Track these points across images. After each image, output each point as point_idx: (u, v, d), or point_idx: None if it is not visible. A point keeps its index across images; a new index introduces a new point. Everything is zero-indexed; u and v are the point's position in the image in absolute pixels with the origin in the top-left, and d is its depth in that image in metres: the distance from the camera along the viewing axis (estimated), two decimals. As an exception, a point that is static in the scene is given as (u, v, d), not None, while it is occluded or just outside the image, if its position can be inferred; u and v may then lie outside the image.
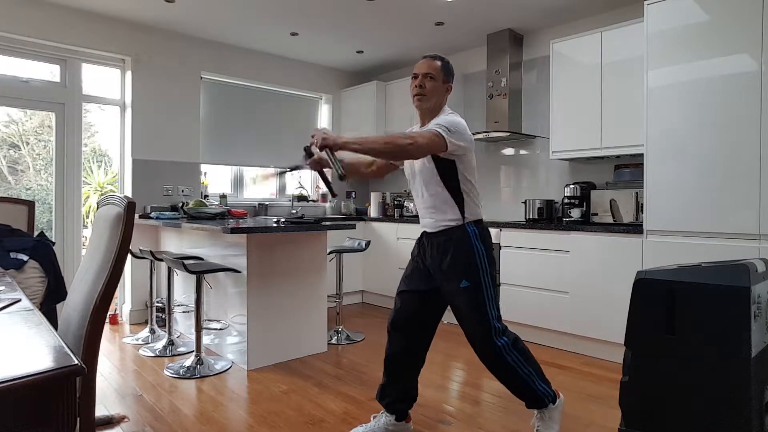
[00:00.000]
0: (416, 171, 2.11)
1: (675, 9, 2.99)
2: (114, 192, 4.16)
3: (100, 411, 2.44)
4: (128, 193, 4.33)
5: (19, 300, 1.38)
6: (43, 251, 2.49)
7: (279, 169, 1.83)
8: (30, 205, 3.12)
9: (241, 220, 3.69)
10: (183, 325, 3.98)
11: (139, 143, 4.31)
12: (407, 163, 2.18)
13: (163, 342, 3.55)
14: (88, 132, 5.99)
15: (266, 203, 5.20)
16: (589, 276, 3.40)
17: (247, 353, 3.12)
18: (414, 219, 4.81)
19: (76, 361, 0.85)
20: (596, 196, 3.66)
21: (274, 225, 3.11)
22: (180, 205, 4.16)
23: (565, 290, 3.53)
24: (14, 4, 3.72)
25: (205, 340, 3.58)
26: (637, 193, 3.44)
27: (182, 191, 4.55)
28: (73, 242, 4.10)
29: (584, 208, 3.78)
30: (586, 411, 2.53)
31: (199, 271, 3.01)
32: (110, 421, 2.37)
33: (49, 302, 2.43)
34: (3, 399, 0.77)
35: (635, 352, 1.72)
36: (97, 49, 4.11)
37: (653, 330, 1.68)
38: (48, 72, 4.04)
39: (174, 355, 3.41)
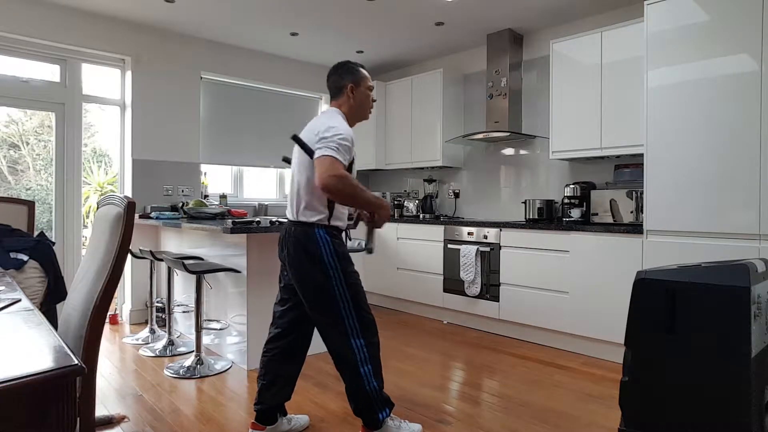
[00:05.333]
0: None
1: (675, 9, 2.99)
2: (114, 192, 4.16)
3: (100, 411, 2.44)
4: (128, 193, 4.33)
5: (19, 300, 1.38)
6: (43, 251, 2.49)
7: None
8: (30, 205, 3.12)
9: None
10: (183, 325, 3.98)
11: (139, 143, 4.31)
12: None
13: (163, 342, 3.55)
14: (88, 132, 5.99)
15: (266, 203, 5.20)
16: (589, 276, 3.40)
17: (247, 353, 3.12)
18: (414, 219, 4.81)
19: (76, 361, 0.85)
20: (596, 196, 3.66)
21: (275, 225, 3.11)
22: (180, 205, 4.16)
23: (565, 290, 3.53)
24: (14, 4, 3.72)
25: (205, 340, 3.58)
26: (637, 193, 3.44)
27: (182, 191, 4.55)
28: (73, 242, 4.10)
29: (584, 208, 3.78)
30: (586, 411, 2.53)
31: (199, 271, 3.01)
32: (110, 421, 2.37)
33: (49, 302, 2.43)
34: (3, 399, 0.77)
35: (635, 352, 1.72)
36: (97, 49, 4.11)
37: (653, 330, 1.68)
38: (48, 72, 4.03)
39: (174, 355, 3.40)
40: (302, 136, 2.13)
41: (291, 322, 2.20)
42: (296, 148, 2.16)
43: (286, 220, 2.19)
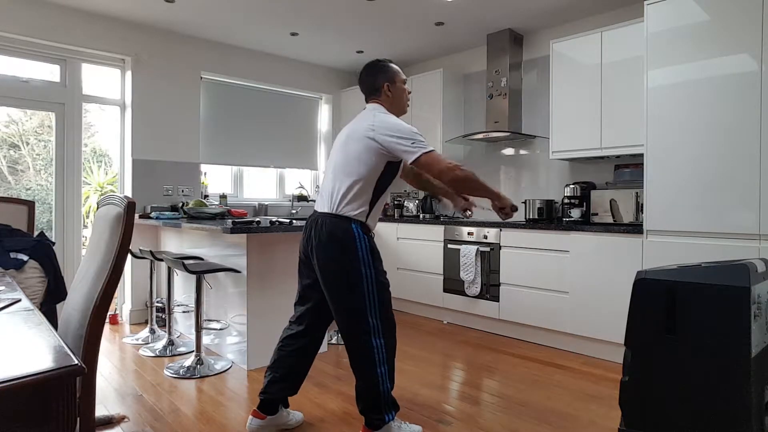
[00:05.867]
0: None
1: (675, 9, 2.99)
2: (114, 192, 4.16)
3: (100, 411, 2.44)
4: (128, 193, 4.33)
5: (19, 300, 1.38)
6: (43, 251, 2.49)
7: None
8: (30, 205, 3.12)
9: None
10: (183, 325, 3.98)
11: (139, 143, 4.31)
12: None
13: (163, 342, 3.55)
14: (88, 132, 5.98)
15: (266, 203, 5.20)
16: (589, 276, 3.40)
17: (247, 353, 3.12)
18: (414, 219, 4.81)
19: (76, 361, 0.85)
20: (596, 196, 3.66)
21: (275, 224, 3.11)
22: (180, 205, 4.16)
23: (565, 290, 3.53)
24: (14, 4, 3.72)
25: (205, 340, 3.58)
26: (637, 193, 3.44)
27: (182, 191, 4.55)
28: (73, 242, 4.10)
29: (584, 208, 3.78)
30: (586, 411, 2.53)
31: (199, 271, 3.01)
32: (110, 421, 2.37)
33: (49, 302, 2.43)
34: (3, 399, 0.77)
35: (635, 352, 1.72)
36: (97, 49, 4.11)
37: (653, 330, 1.68)
38: (48, 72, 4.03)
39: (174, 355, 3.41)
40: (347, 131, 2.16)
41: (311, 322, 2.22)
42: (338, 142, 2.17)
43: (316, 211, 2.16)
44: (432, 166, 1.99)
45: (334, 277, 2.04)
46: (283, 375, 2.21)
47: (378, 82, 2.20)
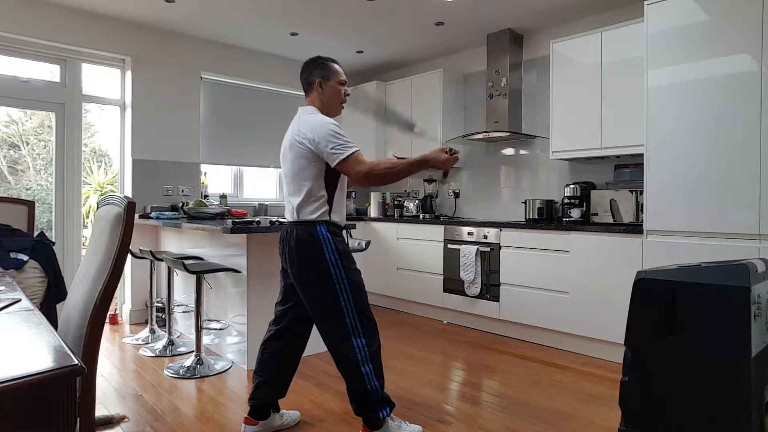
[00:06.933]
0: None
1: (675, 9, 2.99)
2: (114, 192, 4.16)
3: (100, 411, 2.44)
4: (128, 193, 4.33)
5: (19, 300, 1.38)
6: (43, 251, 2.49)
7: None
8: (30, 205, 3.12)
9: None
10: (183, 325, 3.98)
11: (139, 143, 4.31)
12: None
13: (163, 342, 3.55)
14: (88, 132, 5.98)
15: (266, 203, 5.20)
16: (589, 276, 3.40)
17: (247, 353, 3.12)
18: (414, 219, 4.81)
19: (76, 361, 0.85)
20: (596, 196, 3.66)
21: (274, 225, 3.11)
22: (180, 205, 4.16)
23: (565, 290, 3.53)
24: (14, 4, 3.72)
25: (205, 340, 3.58)
26: (637, 193, 3.44)
27: (182, 191, 4.55)
28: (73, 242, 4.10)
29: (584, 208, 3.78)
30: (586, 411, 2.53)
31: (199, 271, 3.01)
32: (110, 421, 2.37)
33: (49, 302, 2.43)
34: (3, 399, 0.77)
35: (635, 352, 1.72)
36: (97, 49, 4.11)
37: (653, 330, 1.68)
38: (48, 72, 4.03)
39: (174, 355, 3.41)
40: (286, 139, 2.19)
41: (291, 322, 2.22)
42: (283, 148, 2.20)
43: (285, 221, 2.21)
44: (347, 173, 2.00)
45: (307, 282, 2.06)
46: (270, 378, 2.21)
47: (312, 77, 2.18)
